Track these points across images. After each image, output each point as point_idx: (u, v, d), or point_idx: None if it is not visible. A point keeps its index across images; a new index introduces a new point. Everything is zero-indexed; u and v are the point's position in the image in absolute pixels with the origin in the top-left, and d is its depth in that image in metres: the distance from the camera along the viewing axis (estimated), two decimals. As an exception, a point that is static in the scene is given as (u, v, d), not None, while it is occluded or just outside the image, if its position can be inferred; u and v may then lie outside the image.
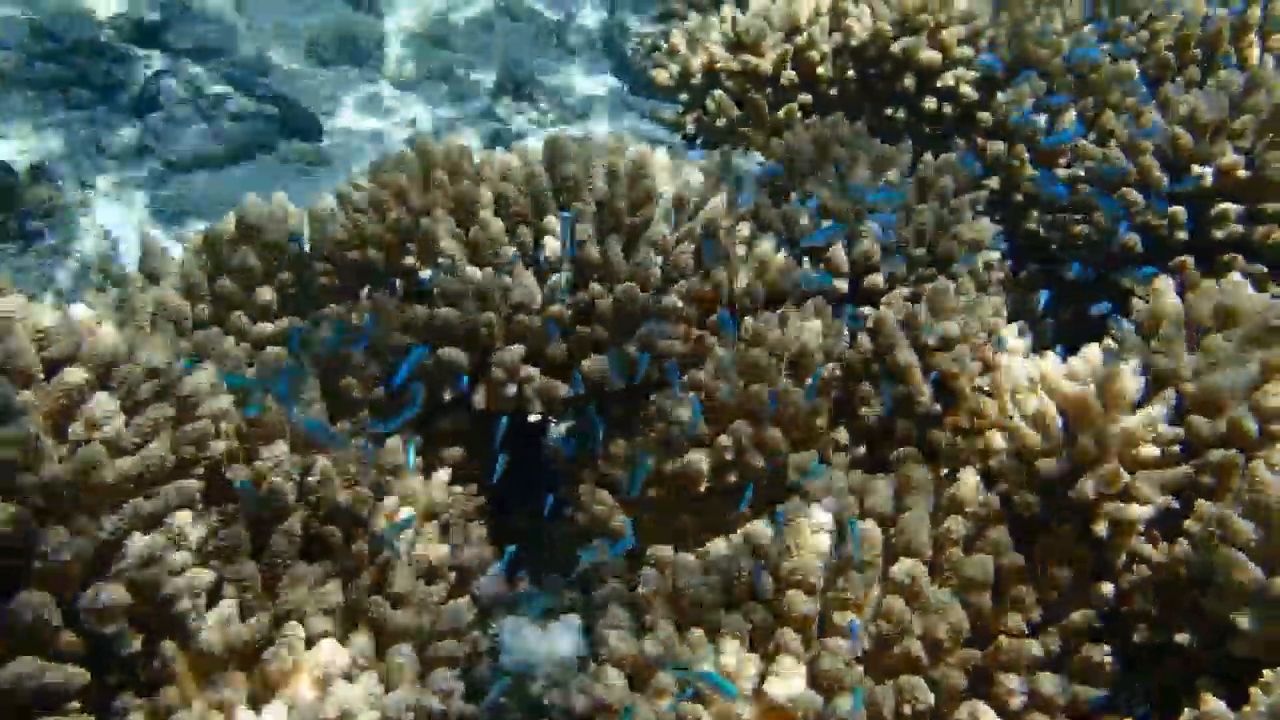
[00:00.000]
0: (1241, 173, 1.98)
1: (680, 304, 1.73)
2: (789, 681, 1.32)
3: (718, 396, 1.65)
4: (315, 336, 1.73)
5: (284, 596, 1.33)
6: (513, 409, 1.69)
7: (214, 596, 1.28)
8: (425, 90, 4.44)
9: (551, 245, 1.76)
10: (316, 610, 1.35)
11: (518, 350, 1.64)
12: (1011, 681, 1.35)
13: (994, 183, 2.37)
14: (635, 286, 1.69)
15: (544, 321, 1.67)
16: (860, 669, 1.37)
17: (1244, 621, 1.23)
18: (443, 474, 1.63)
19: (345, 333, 1.70)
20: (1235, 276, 1.61)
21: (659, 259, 1.76)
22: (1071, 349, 1.66)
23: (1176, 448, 1.47)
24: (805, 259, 1.94)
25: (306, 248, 1.95)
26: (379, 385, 1.66)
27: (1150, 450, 1.43)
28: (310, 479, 1.38)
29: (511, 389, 1.63)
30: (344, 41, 4.59)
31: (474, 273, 1.69)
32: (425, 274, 1.79)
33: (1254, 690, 1.15)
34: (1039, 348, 1.88)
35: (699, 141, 2.54)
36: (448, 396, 1.66)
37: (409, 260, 1.84)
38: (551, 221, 1.80)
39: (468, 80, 4.46)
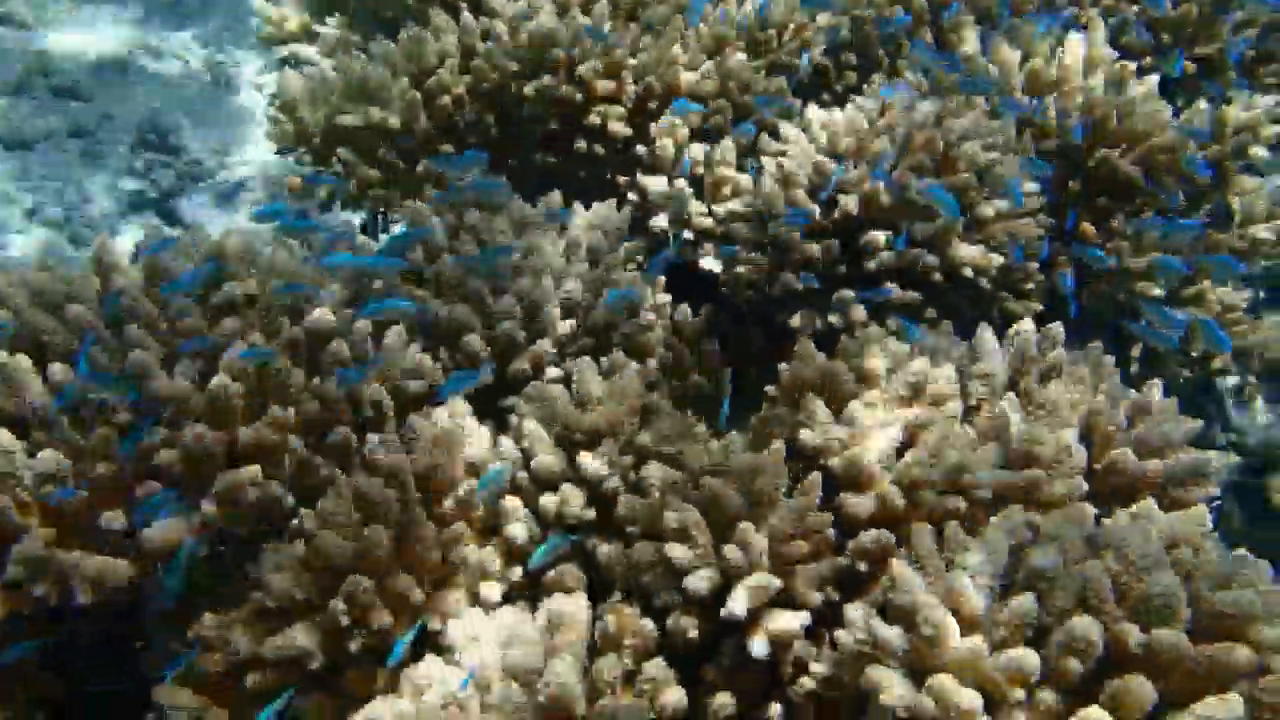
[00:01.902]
0: (884, 198, 1.92)
1: (273, 434, 1.44)
2: None
3: (325, 548, 1.37)
4: None
5: None
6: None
7: None
8: (45, 154, 3.76)
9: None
10: None
11: (40, 536, 1.27)
12: None
13: (662, 220, 2.23)
14: (205, 429, 1.37)
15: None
16: None
17: (898, 749, 1.12)
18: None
19: None
20: (872, 328, 1.53)
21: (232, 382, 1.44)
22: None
23: (831, 532, 1.35)
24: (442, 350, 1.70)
25: None
26: None
27: (800, 547, 1.30)
28: None
29: (39, 590, 1.27)
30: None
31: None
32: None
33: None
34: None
35: (338, 206, 2.24)
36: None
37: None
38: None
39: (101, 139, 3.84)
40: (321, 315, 1.55)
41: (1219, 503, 2.42)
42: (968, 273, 1.91)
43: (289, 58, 2.43)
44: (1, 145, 3.66)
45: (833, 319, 1.93)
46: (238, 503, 1.35)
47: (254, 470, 1.35)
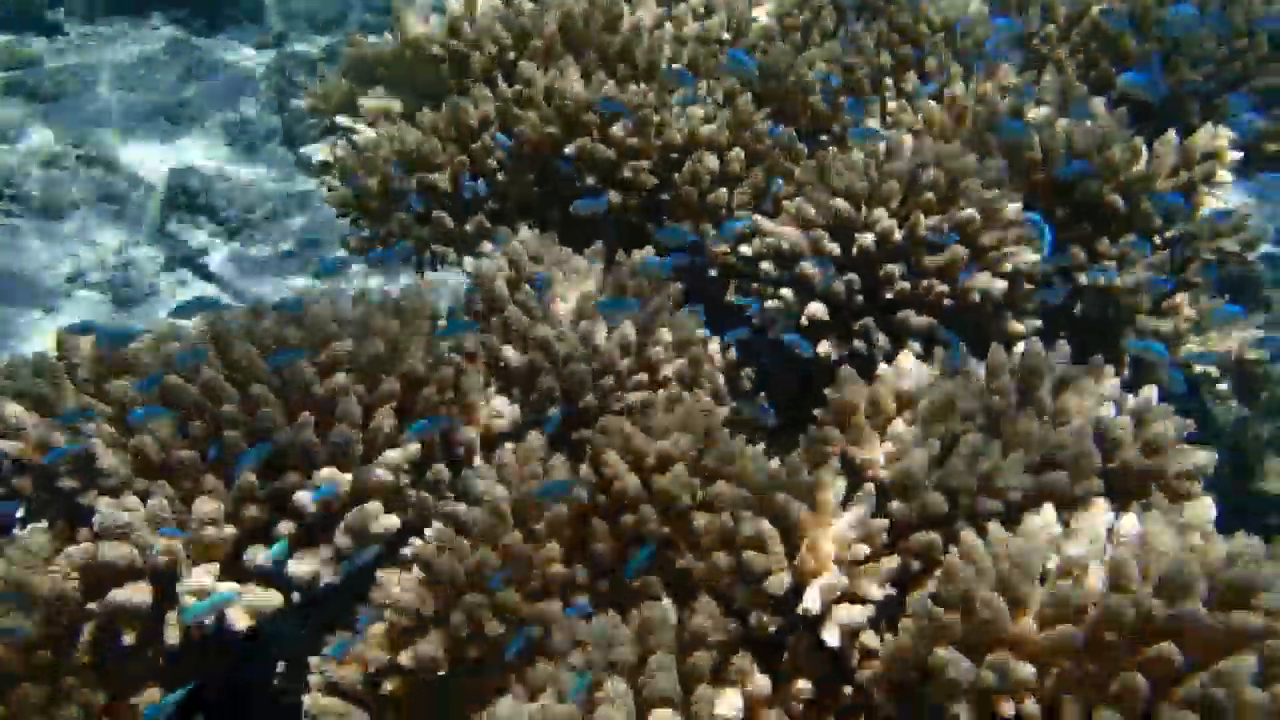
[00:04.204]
0: (897, 235, 2.14)
1: (389, 476, 1.62)
2: None
3: (440, 569, 1.55)
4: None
5: None
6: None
7: None
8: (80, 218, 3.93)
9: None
10: None
11: (206, 570, 1.46)
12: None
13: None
14: (336, 471, 1.56)
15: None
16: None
17: (960, 712, 1.31)
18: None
19: None
20: (905, 355, 1.73)
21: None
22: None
23: (884, 536, 1.55)
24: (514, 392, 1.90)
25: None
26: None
27: (861, 549, 1.50)
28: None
29: (208, 619, 1.45)
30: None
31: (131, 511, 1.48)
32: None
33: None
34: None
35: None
36: (128, 640, 1.45)
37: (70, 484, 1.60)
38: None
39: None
40: (413, 365, 1.74)
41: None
42: (975, 297, 2.13)
43: (333, 127, 2.62)
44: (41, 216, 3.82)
45: (857, 344, 2.15)
46: (364, 534, 1.53)
47: (378, 505, 1.53)
